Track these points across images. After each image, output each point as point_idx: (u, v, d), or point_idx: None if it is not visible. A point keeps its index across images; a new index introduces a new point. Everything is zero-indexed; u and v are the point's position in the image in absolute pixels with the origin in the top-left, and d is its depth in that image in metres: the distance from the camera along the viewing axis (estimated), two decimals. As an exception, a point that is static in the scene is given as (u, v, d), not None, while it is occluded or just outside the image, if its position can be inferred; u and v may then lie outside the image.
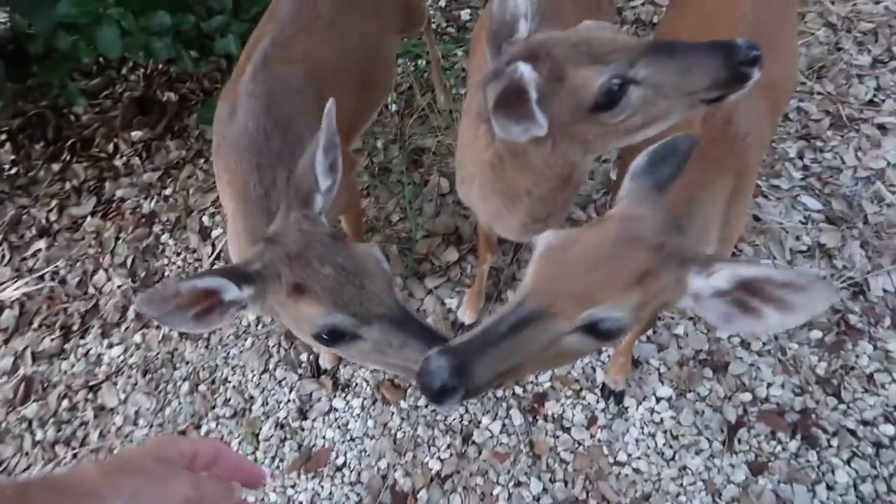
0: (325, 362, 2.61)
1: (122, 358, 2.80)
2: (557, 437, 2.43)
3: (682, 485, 2.31)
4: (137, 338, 2.83)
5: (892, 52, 3.23)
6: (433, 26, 3.42)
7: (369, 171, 3.09)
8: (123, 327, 2.87)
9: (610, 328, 1.06)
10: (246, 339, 2.74)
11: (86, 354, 2.85)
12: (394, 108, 3.27)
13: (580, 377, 2.53)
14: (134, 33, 2.68)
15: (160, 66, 3.54)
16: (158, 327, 2.82)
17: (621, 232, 1.10)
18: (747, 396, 2.43)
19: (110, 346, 2.84)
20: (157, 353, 2.78)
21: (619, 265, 1.07)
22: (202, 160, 3.23)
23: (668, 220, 1.14)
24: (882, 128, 3.00)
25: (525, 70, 1.19)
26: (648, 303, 1.08)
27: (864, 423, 2.35)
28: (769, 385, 2.45)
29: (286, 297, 1.29)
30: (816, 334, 2.52)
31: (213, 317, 1.27)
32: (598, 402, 2.49)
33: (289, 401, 2.60)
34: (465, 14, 3.64)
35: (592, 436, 2.43)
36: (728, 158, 1.56)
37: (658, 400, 2.46)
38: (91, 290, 2.99)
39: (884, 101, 3.09)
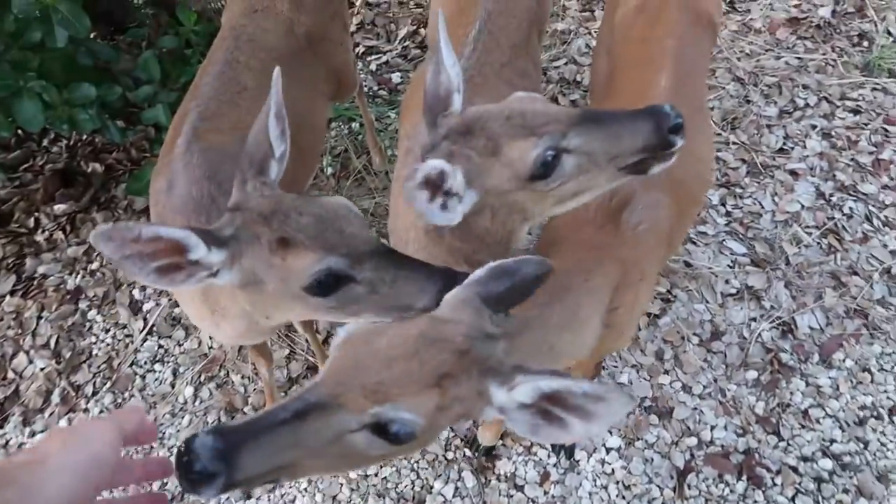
0: (269, 436, 2.51)
1: None
2: (511, 496, 2.40)
3: (637, 536, 2.31)
4: (64, 423, 2.66)
5: (795, 104, 3.48)
6: (365, 90, 3.47)
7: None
8: (48, 413, 2.69)
9: (399, 431, 0.97)
10: (183, 417, 2.61)
11: (5, 445, 2.65)
12: (329, 171, 3.28)
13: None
14: (57, 106, 2.60)
15: (84, 137, 3.44)
16: (86, 411, 2.66)
17: (428, 331, 1.04)
18: (693, 441, 2.47)
19: (33, 434, 2.66)
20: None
21: (417, 363, 0.99)
22: (131, 231, 3.12)
23: (482, 330, 1.08)
24: (794, 173, 3.20)
25: (441, 168, 1.27)
26: (446, 409, 1.00)
27: (804, 459, 2.42)
28: (713, 427, 2.50)
29: (270, 254, 1.24)
30: (752, 374, 2.61)
31: (178, 276, 1.21)
32: (549, 456, 2.48)
33: (231, 479, 2.48)
34: (395, 77, 3.71)
35: (546, 492, 2.40)
36: (616, 246, 1.61)
37: (608, 450, 2.47)
38: (11, 375, 2.81)
39: (793, 148, 3.30)
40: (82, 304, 2.95)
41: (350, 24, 2.82)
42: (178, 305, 2.89)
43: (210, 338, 2.80)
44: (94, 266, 3.05)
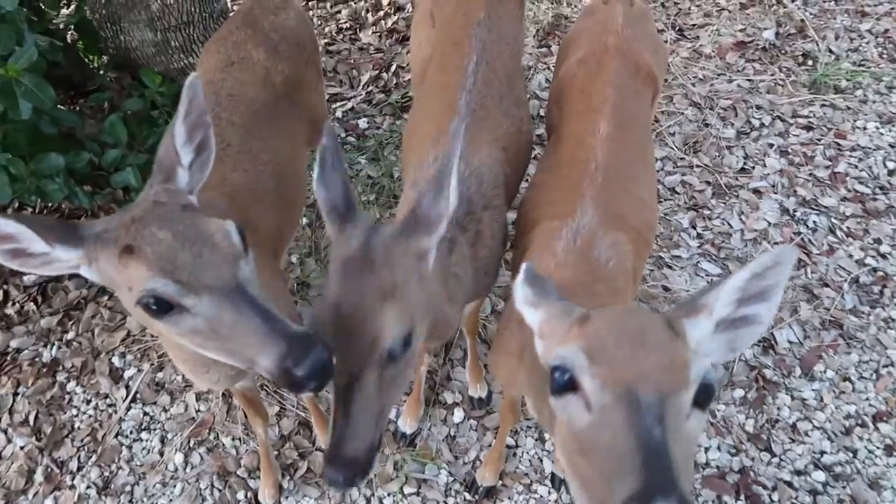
0: (266, 497, 2.46)
1: (31, 527, 2.52)
2: (516, 537, 2.39)
3: (644, 566, 2.31)
4: (49, 502, 2.56)
5: (751, 124, 3.61)
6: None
7: (287, 289, 3.03)
8: (31, 493, 2.59)
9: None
10: (175, 486, 2.54)
11: (-13, 532, 2.54)
12: (304, 220, 3.27)
13: (528, 470, 2.52)
14: (24, 178, 2.55)
15: (51, 204, 3.38)
16: (72, 487, 2.57)
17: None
18: (689, 464, 2.50)
19: (16, 517, 2.56)
20: (75, 515, 2.52)
21: None
22: (106, 297, 3.06)
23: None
24: (757, 192, 3.31)
25: None
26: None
27: (798, 472, 2.47)
28: (706, 449, 2.54)
29: (117, 260, 1.23)
30: (739, 393, 2.66)
31: (31, 261, 1.24)
32: (549, 493, 2.47)
33: (229, 547, 2.42)
34: (362, 122, 3.74)
35: (550, 530, 2.40)
36: (595, 284, 1.68)
37: (607, 482, 2.48)
38: (-12, 457, 2.70)
39: (753, 167, 3.42)
40: (60, 377, 2.86)
41: (321, 69, 2.84)
42: (161, 369, 2.84)
43: (196, 400, 2.75)
44: (70, 336, 2.97)
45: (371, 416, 1.29)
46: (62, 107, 3.21)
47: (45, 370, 2.89)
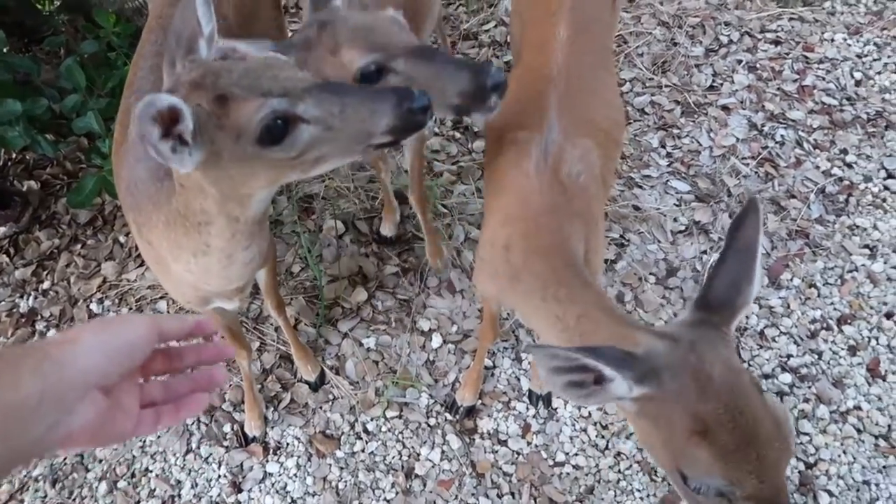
0: (252, 429, 2.52)
1: (24, 472, 2.58)
2: (496, 451, 2.47)
3: (620, 471, 2.41)
4: (38, 447, 2.61)
5: (720, 41, 3.59)
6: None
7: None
8: (20, 439, 2.63)
9: None
10: (161, 423, 2.59)
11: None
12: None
13: (507, 389, 2.60)
14: (-18, 126, 2.51)
15: (15, 156, 3.32)
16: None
17: None
18: (661, 374, 2.58)
19: None
20: (65, 459, 2.57)
21: None
22: (79, 245, 3.05)
23: None
24: (725, 108, 3.32)
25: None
26: None
27: (766, 376, 2.56)
28: (678, 359, 2.61)
29: (216, 120, 1.24)
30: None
31: (163, 146, 1.20)
32: (527, 409, 2.56)
33: (219, 477, 2.49)
34: (328, 58, 3.67)
35: (529, 443, 2.49)
36: (571, 202, 1.71)
37: (583, 395, 2.56)
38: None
39: (722, 84, 3.41)
40: (39, 325, 2.87)
41: (280, 2, 2.78)
42: (140, 312, 2.85)
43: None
44: (46, 285, 2.97)
45: None
46: (16, 53, 3.11)
47: (23, 320, 2.89)
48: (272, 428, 2.55)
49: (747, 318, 2.68)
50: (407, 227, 2.97)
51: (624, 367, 1.19)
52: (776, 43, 3.57)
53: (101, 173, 2.73)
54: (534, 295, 1.65)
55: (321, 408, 2.58)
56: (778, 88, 3.38)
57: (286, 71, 1.32)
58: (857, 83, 3.38)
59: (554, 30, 1.92)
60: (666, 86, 3.42)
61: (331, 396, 2.61)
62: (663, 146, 3.21)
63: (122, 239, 3.02)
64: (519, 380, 2.61)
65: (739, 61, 3.49)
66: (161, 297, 2.85)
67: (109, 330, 0.90)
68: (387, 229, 2.94)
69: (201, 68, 1.31)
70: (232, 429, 2.56)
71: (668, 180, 3.08)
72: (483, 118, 1.66)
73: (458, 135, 3.31)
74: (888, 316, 2.67)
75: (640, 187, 3.06)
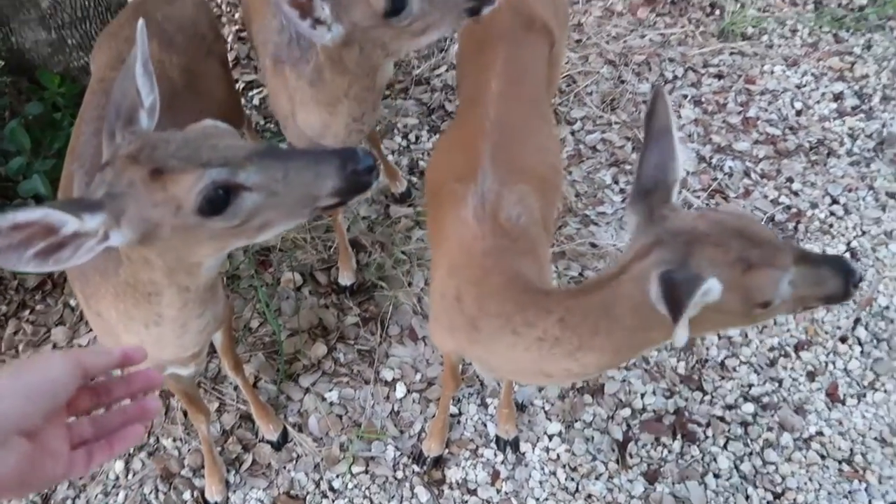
0: (213, 494, 2.44)
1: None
2: (466, 501, 2.43)
3: (591, 513, 2.39)
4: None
5: (665, 77, 3.69)
6: (252, 125, 3.42)
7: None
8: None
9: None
10: (118, 494, 2.49)
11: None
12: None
13: (473, 436, 2.56)
14: (-79, 194, 2.43)
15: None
16: (11, 509, 2.50)
17: None
18: (627, 412, 2.58)
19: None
20: (15, 538, 2.45)
21: None
22: (27, 311, 2.95)
23: None
24: (674, 143, 3.38)
25: None
26: None
27: (729, 407, 2.58)
28: (643, 395, 2.62)
29: (149, 192, 1.22)
30: (668, 343, 2.74)
31: (64, 253, 1.17)
32: (496, 455, 2.52)
33: (180, 547, 2.39)
34: (281, 108, 3.67)
35: (499, 490, 2.45)
36: (515, 243, 1.73)
37: (550, 437, 2.54)
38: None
39: (669, 119, 3.49)
40: (-14, 398, 2.76)
41: (228, 58, 2.78)
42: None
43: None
44: (-8, 352, 2.86)
45: None
46: (-43, 118, 3.04)
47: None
48: (234, 492, 2.47)
49: (707, 349, 2.71)
50: (365, 274, 2.95)
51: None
52: (719, 77, 3.68)
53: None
54: (502, 334, 1.63)
55: (285, 467, 2.51)
56: (723, 121, 3.47)
57: (227, 139, 1.31)
58: (798, 113, 3.49)
59: (487, 83, 1.96)
60: (616, 123, 3.49)
61: (294, 455, 2.55)
62: (616, 182, 3.26)
63: (72, 303, 2.94)
64: (486, 425, 2.58)
65: (685, 96, 3.59)
66: (115, 361, 2.76)
67: (27, 372, 0.87)
68: (345, 278, 2.91)
69: (139, 141, 1.29)
70: (192, 496, 2.47)
71: (622, 216, 3.12)
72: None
73: (415, 179, 3.32)
74: (842, 340, 2.72)
75: (596, 224, 3.10)
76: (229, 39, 4.01)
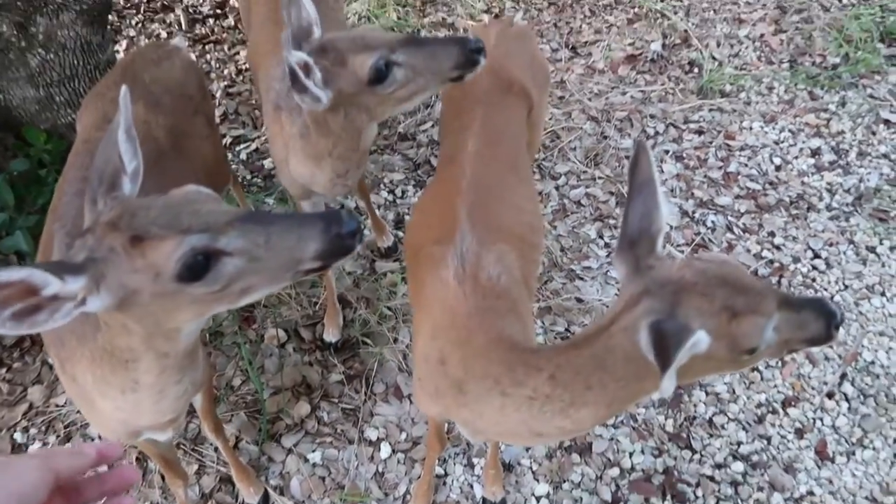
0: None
1: None
2: (453, 568, 2.36)
3: (581, 579, 2.32)
4: None
5: (647, 133, 3.76)
6: (239, 180, 3.44)
7: (200, 340, 2.94)
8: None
9: None
10: (90, 563, 2.39)
11: None
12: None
13: (459, 497, 2.51)
14: None
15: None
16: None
17: None
18: (615, 471, 2.54)
19: None
20: None
21: None
22: (4, 369, 2.89)
23: None
24: (657, 197, 3.43)
25: (301, 59, 1.69)
26: None
27: (718, 466, 2.55)
28: (631, 454, 2.58)
29: (129, 258, 1.21)
30: (656, 394, 2.72)
31: (40, 316, 1.15)
32: (483, 517, 2.46)
33: None
34: (267, 163, 3.70)
35: (486, 555, 2.38)
36: (496, 302, 1.73)
37: (538, 499, 2.49)
38: None
39: (652, 174, 3.54)
40: (-43, 461, 2.67)
41: (215, 117, 2.80)
42: (68, 439, 2.69)
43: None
44: (-34, 416, 2.78)
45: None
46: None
47: (-60, 456, 2.69)
48: (212, 559, 2.39)
49: (695, 406, 2.69)
50: (350, 331, 2.92)
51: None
52: (699, 132, 3.76)
53: (28, 295, 2.62)
54: (490, 395, 1.61)
55: (265, 533, 2.44)
56: (705, 176, 3.53)
57: (209, 205, 1.31)
58: (777, 168, 3.56)
59: (465, 143, 2.00)
60: (599, 177, 3.54)
61: (275, 519, 2.47)
62: (601, 237, 3.28)
63: (50, 361, 2.88)
64: (472, 487, 2.53)
65: (667, 151, 3.65)
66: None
67: None
68: (330, 335, 2.88)
69: (120, 207, 1.29)
70: (168, 563, 2.39)
71: (607, 271, 3.13)
72: (471, 76, 1.89)
73: (400, 233, 3.32)
74: (829, 396, 2.71)
75: (582, 279, 3.11)
76: (217, 95, 4.06)
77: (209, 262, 1.24)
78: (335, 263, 1.40)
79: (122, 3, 4.74)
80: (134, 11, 4.74)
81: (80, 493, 0.97)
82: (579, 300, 3.02)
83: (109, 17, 3.37)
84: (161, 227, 1.23)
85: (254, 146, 3.80)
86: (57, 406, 2.77)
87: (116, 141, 1.37)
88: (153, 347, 1.44)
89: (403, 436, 2.65)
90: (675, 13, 4.45)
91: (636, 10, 4.51)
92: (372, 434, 2.65)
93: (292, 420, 2.69)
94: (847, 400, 2.70)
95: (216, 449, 2.59)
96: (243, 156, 3.75)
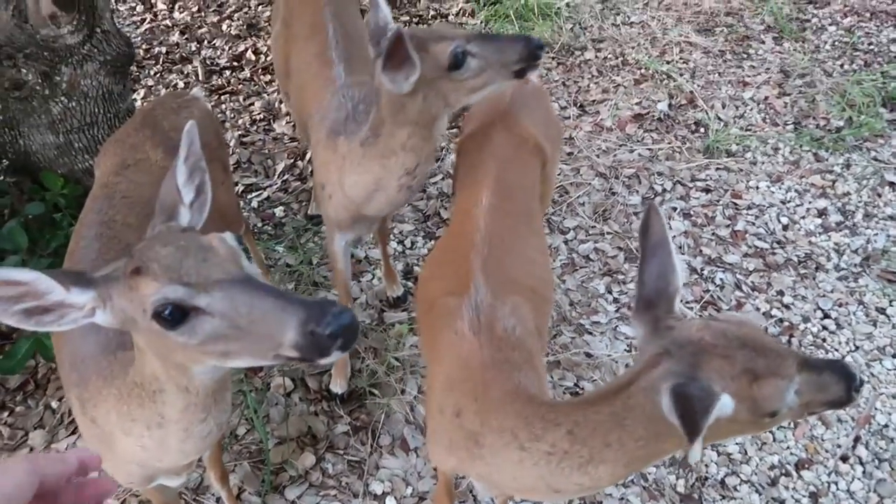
0: None
1: None
2: None
3: None
4: None
5: (654, 190, 3.80)
6: (250, 228, 3.46)
7: (228, 381, 2.91)
8: None
9: None
10: None
11: None
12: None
13: (466, 557, 2.44)
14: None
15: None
16: None
17: None
18: (626, 533, 2.48)
19: None
20: None
21: None
22: (6, 413, 2.86)
23: None
24: (666, 254, 3.44)
25: (402, 29, 1.82)
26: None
27: (731, 530, 2.49)
28: (642, 515, 2.52)
29: (126, 288, 1.26)
30: (690, 455, 2.68)
31: (48, 318, 1.22)
32: (489, 579, 2.39)
33: None
34: (278, 211, 3.74)
35: None
36: (511, 354, 1.73)
37: (546, 560, 2.42)
38: None
39: (660, 231, 3.57)
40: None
41: (230, 164, 2.85)
42: (67, 488, 2.63)
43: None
44: (-35, 460, 2.74)
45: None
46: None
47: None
48: None
49: (707, 467, 2.64)
50: (357, 381, 2.90)
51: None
52: (707, 191, 3.80)
53: (35, 336, 2.62)
54: (507, 449, 1.59)
55: (265, 590, 2.37)
56: (713, 233, 3.56)
57: (219, 258, 1.28)
58: (785, 227, 3.59)
59: (479, 197, 2.02)
60: (608, 233, 3.56)
61: (276, 576, 2.40)
62: (610, 292, 3.28)
63: (54, 404, 2.85)
64: (479, 546, 2.47)
65: (675, 208, 3.69)
66: (93, 469, 2.65)
67: None
68: (337, 385, 2.85)
69: (153, 236, 1.35)
70: None
71: (616, 326, 3.12)
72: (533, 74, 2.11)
73: (410, 284, 3.33)
74: (843, 459, 2.66)
75: (591, 334, 3.09)
76: (231, 143, 4.13)
77: (185, 315, 1.23)
78: (316, 361, 1.25)
79: (141, 53, 4.88)
80: (153, 62, 4.87)
81: (58, 500, 0.96)
82: (588, 355, 3.00)
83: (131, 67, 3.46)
84: (160, 267, 1.24)
85: (265, 194, 3.85)
86: (57, 451, 2.72)
87: (175, 173, 1.45)
88: (172, 378, 1.44)
89: (409, 490, 2.60)
90: (681, 75, 4.57)
91: (642, 71, 4.63)
92: (377, 488, 2.60)
93: (296, 471, 2.64)
94: (861, 464, 2.65)
95: (218, 500, 2.53)
96: (255, 203, 3.79)
